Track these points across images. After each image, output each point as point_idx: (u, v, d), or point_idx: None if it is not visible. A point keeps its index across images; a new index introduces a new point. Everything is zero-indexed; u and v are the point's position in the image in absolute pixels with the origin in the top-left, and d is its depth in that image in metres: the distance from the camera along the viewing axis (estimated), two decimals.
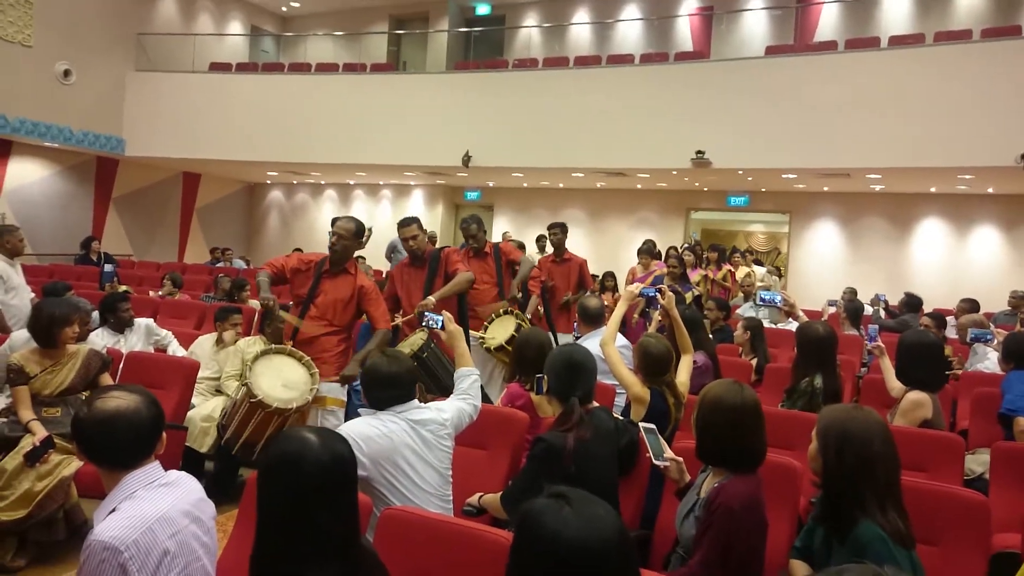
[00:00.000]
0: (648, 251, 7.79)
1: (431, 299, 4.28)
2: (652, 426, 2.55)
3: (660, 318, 5.64)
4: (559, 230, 6.52)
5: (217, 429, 3.54)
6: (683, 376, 3.41)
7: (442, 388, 3.72)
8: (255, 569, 1.51)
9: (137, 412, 1.71)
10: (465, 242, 5.39)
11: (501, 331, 4.63)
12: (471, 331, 4.73)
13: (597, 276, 9.14)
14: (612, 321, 3.52)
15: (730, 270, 8.47)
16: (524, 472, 2.56)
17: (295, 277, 4.07)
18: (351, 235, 4.00)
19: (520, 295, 5.21)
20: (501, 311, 4.83)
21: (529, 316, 5.47)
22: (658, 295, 3.61)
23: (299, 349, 3.74)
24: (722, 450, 2.19)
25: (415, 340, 3.93)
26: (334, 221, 4.13)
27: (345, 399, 3.98)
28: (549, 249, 6.74)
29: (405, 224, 4.71)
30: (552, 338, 5.54)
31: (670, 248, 9.26)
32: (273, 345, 3.73)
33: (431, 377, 3.83)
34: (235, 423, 3.37)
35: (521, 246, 9.25)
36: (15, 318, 5.23)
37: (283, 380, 3.53)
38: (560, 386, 2.60)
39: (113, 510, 1.63)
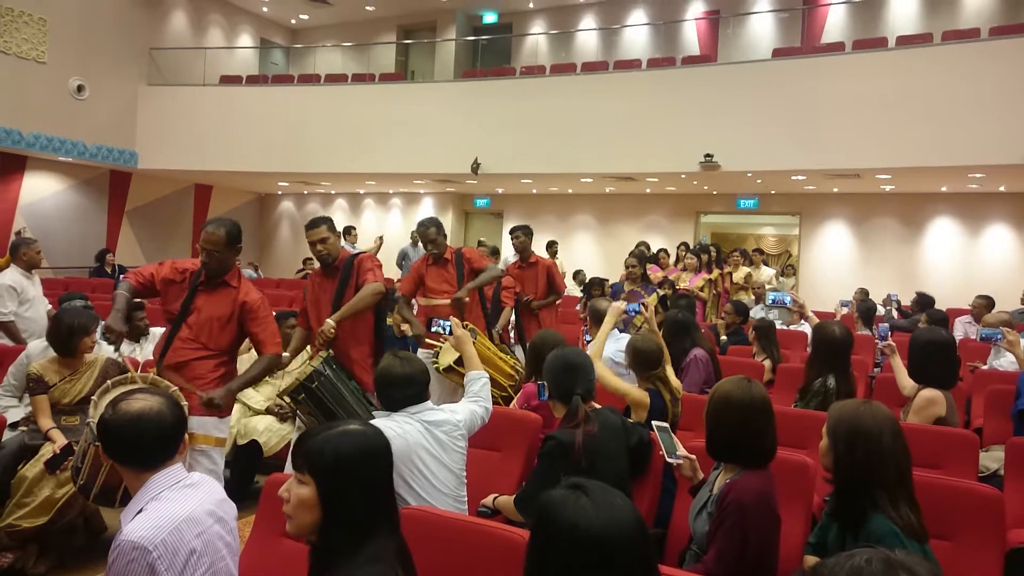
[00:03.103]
0: (639, 256, 7.18)
1: (329, 322, 3.66)
2: (665, 424, 2.58)
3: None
4: (521, 233, 5.92)
5: (72, 471, 2.81)
6: (671, 378, 3.52)
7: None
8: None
9: (160, 413, 1.75)
10: (424, 247, 4.88)
11: (451, 352, 4.18)
12: (423, 348, 4.55)
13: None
14: (598, 338, 3.65)
15: (720, 273, 8.41)
16: (536, 472, 2.59)
17: (167, 289, 3.41)
18: (224, 245, 3.34)
19: (468, 299, 4.61)
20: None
21: (500, 330, 5.15)
22: (641, 308, 3.99)
23: (167, 375, 3.19)
24: (732, 446, 2.21)
25: (305, 368, 3.48)
26: (204, 227, 3.44)
27: (223, 436, 3.31)
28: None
29: (313, 226, 3.94)
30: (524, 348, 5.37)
31: (660, 250, 9.24)
32: (132, 373, 3.04)
33: (319, 408, 3.39)
34: (87, 467, 2.60)
35: (495, 252, 8.96)
36: (29, 331, 5.30)
37: None
38: (560, 388, 2.64)
39: (140, 511, 1.66)
